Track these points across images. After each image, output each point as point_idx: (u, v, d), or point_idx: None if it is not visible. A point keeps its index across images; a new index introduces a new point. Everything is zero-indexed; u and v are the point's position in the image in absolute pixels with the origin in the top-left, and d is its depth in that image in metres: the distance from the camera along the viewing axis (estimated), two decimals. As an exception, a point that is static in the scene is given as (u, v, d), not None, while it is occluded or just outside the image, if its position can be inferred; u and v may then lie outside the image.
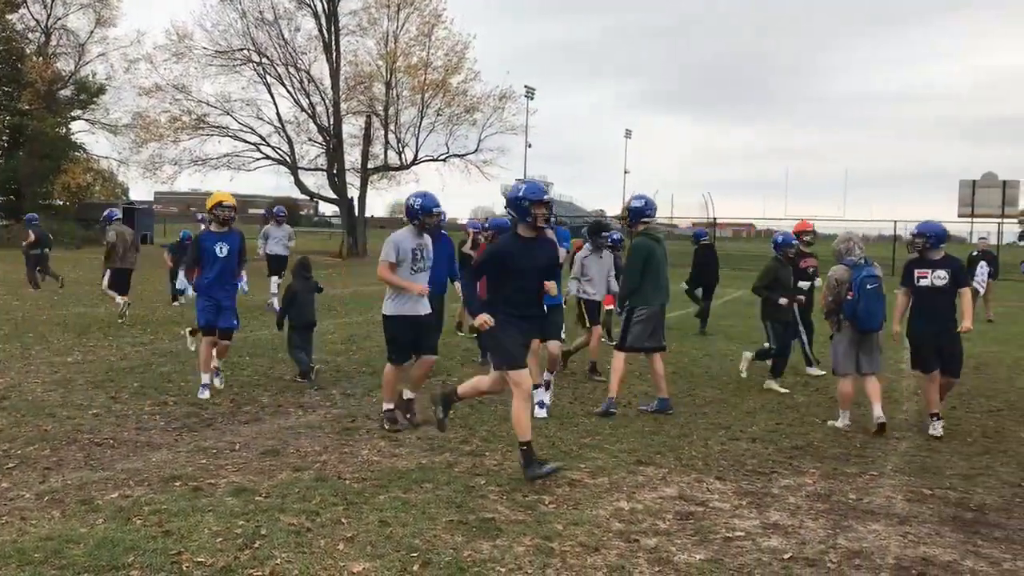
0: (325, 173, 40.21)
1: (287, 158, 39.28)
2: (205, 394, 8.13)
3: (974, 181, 54.51)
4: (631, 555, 4.51)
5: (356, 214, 40.74)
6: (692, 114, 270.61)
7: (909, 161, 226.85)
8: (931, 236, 7.59)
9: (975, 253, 18.09)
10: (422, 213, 7.04)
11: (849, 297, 7.65)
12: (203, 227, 14.31)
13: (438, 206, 7.18)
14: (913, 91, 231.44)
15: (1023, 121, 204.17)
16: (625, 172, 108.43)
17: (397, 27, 38.54)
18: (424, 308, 7.15)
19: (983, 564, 4.54)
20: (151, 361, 10.13)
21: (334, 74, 38.22)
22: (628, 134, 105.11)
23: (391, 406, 7.20)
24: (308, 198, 46.72)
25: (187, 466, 5.88)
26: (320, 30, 38.27)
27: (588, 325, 10.00)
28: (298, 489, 5.37)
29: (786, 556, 4.56)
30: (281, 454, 6.27)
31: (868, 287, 7.61)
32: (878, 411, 7.50)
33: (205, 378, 8.27)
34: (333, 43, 38.29)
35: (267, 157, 39.38)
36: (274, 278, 16.47)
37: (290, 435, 6.83)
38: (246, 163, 39.17)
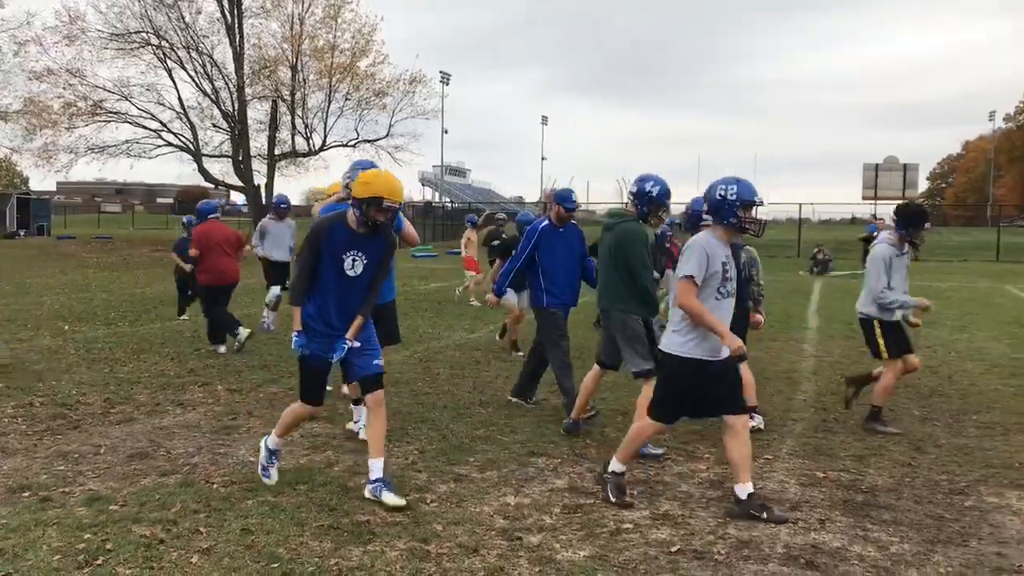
0: (230, 160, 39.02)
1: (190, 145, 37.94)
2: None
3: (877, 165, 56.15)
4: (512, 555, 4.26)
5: (263, 202, 39.63)
6: (607, 101, 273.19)
7: (816, 146, 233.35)
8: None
9: (876, 234, 18.45)
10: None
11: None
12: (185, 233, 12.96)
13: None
14: (820, 77, 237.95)
15: (923, 106, 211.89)
16: (542, 159, 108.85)
17: (302, 9, 37.56)
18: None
19: (870, 549, 4.43)
20: (25, 359, 9.48)
21: (238, 58, 37.02)
22: (544, 121, 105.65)
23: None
24: (214, 186, 45.22)
25: (41, 474, 5.41)
26: (222, 12, 36.97)
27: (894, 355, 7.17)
28: (159, 496, 4.96)
29: (673, 549, 4.38)
30: (150, 457, 5.84)
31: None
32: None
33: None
34: (236, 26, 37.06)
35: (169, 144, 38.02)
36: (274, 288, 12.23)
37: (163, 436, 6.39)
38: (147, 150, 37.78)
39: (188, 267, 11.53)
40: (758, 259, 7.35)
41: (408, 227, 6.52)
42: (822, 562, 4.24)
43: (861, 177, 54.83)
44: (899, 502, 5.20)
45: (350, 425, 6.55)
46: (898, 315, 7.09)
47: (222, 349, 10.25)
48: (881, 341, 7.06)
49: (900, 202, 6.11)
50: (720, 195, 4.83)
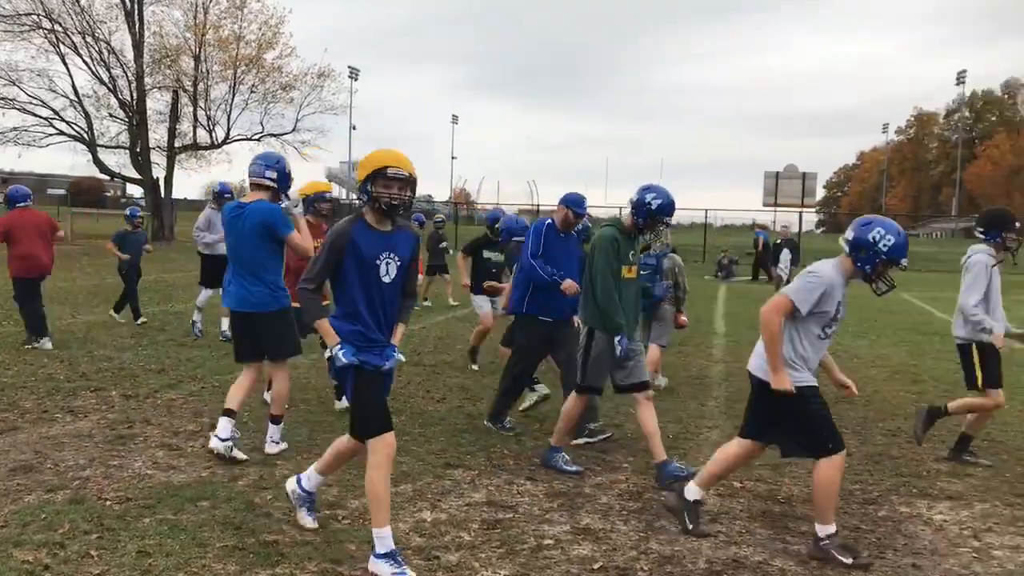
0: (128, 151, 37.48)
1: (84, 134, 36.29)
2: None
3: (777, 172, 57.77)
4: (430, 575, 4.06)
5: (162, 195, 38.22)
6: (518, 101, 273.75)
7: (720, 151, 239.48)
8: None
9: (779, 241, 18.91)
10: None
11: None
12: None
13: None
14: (726, 84, 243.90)
15: (821, 117, 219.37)
16: (453, 158, 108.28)
17: (207, -3, 36.35)
18: None
19: (791, 563, 4.40)
20: None
21: (137, 46, 35.61)
22: (455, 119, 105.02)
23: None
24: (109, 178, 43.38)
25: (-90, 492, 4.94)
26: (121, -2, 35.51)
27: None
28: (45, 515, 4.58)
29: (596, 566, 4.25)
30: (35, 470, 5.41)
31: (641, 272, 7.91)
32: (658, 380, 8.58)
33: None
34: (136, 12, 35.65)
35: (62, 133, 36.30)
36: (205, 292, 11.28)
37: (51, 446, 5.95)
38: (36, 139, 35.98)
39: (125, 257, 12.19)
40: (682, 265, 7.52)
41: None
42: (745, 578, 4.19)
43: (762, 184, 56.25)
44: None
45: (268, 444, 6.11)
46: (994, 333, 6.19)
47: (48, 344, 9.83)
48: (980, 371, 6.29)
49: (991, 209, 5.72)
50: (872, 239, 4.41)
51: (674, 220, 9.86)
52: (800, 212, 49.57)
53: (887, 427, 7.56)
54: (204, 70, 36.87)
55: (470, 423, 7.06)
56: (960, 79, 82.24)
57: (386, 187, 4.08)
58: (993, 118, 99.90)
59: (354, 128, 74.93)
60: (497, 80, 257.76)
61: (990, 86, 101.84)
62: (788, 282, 19.16)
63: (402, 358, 4.48)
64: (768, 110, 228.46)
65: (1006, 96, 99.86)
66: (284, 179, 5.97)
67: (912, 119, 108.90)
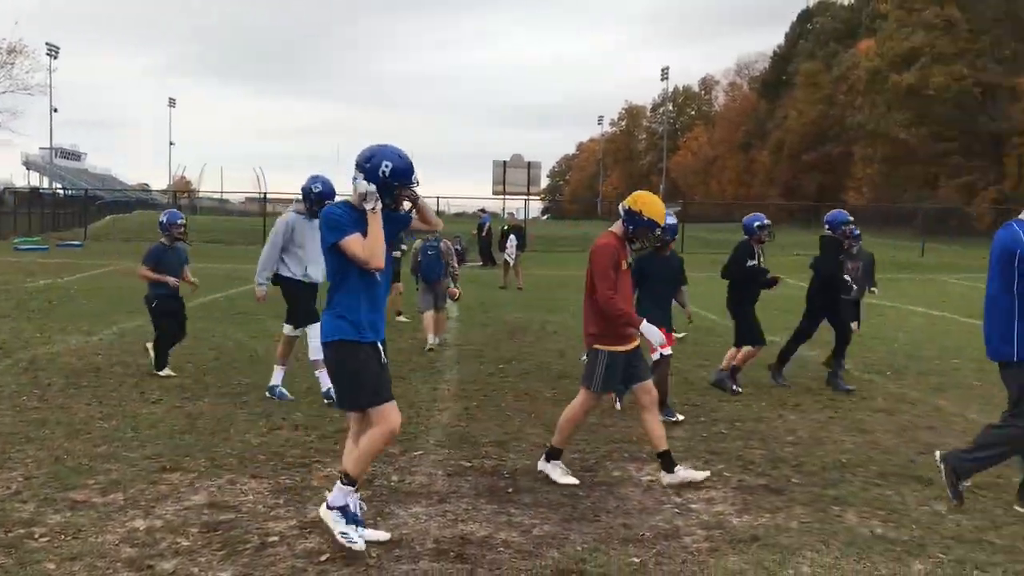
0: None
1: None
2: None
3: (505, 162, 59.78)
4: (141, 588, 3.79)
5: None
6: (243, 85, 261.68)
7: (452, 141, 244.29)
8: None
9: (505, 227, 19.57)
10: None
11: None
12: None
13: None
14: (457, 74, 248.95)
15: (545, 108, 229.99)
16: (171, 144, 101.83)
17: None
18: None
19: (515, 534, 4.57)
20: None
21: None
22: (172, 103, 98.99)
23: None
24: None
25: None
26: None
27: None
28: None
29: (323, 558, 4.18)
30: None
31: (429, 253, 10.95)
32: (431, 339, 10.66)
33: None
34: None
35: None
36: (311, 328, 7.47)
37: None
38: None
39: (173, 281, 8.61)
40: (452, 249, 8.92)
41: None
42: (471, 553, 4.29)
43: (492, 173, 58.02)
44: (539, 484, 5.45)
45: None
46: None
47: None
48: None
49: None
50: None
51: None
52: (527, 200, 51.72)
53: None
54: None
55: (190, 423, 6.68)
56: (664, 75, 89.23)
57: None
58: (692, 112, 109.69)
59: (55, 111, 68.33)
60: (220, 62, 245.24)
61: (690, 82, 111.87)
62: (515, 267, 19.93)
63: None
64: (497, 101, 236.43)
65: (703, 92, 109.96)
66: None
67: (623, 112, 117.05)
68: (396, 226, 4.48)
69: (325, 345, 4.35)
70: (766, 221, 8.62)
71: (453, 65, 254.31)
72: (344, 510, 4.28)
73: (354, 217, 4.24)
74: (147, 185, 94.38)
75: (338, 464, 5.73)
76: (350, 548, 4.17)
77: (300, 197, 7.60)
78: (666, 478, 5.53)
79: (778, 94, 79.71)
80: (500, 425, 6.95)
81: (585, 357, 5.76)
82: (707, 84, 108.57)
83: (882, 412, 7.70)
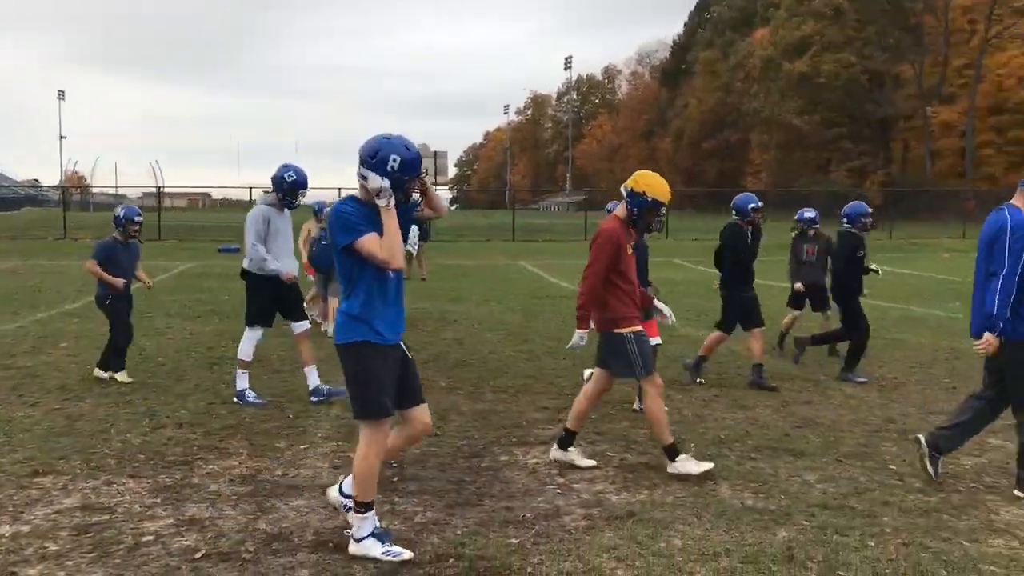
0: None
1: None
2: None
3: (410, 151, 59.37)
4: (3, 595, 3.68)
5: None
6: (135, 76, 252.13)
7: (355, 131, 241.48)
8: None
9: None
10: None
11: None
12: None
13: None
14: (363, 63, 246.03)
15: (450, 97, 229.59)
16: (61, 137, 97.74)
17: None
18: None
19: (397, 522, 4.59)
20: None
21: None
22: (61, 95, 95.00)
23: None
24: None
25: None
26: None
27: None
28: None
29: (198, 555, 4.12)
30: None
31: (323, 243, 10.86)
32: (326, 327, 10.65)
33: None
34: None
35: None
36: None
37: None
38: None
39: (122, 284, 8.10)
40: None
41: None
42: (348, 543, 4.29)
43: (396, 163, 57.63)
44: (425, 471, 5.49)
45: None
46: None
47: None
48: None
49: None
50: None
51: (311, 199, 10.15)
52: (435, 190, 51.54)
53: (497, 384, 8.15)
54: None
55: (69, 425, 6.47)
56: (568, 64, 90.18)
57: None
58: (596, 100, 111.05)
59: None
60: (110, 51, 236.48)
61: (593, 71, 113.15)
62: (418, 257, 19.78)
63: None
64: (403, 90, 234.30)
65: (606, 81, 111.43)
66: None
67: (529, 101, 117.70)
68: (406, 217, 4.27)
69: (342, 347, 4.20)
70: (759, 204, 8.24)
71: (359, 54, 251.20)
72: (373, 534, 4.17)
73: (366, 214, 4.04)
74: (37, 181, 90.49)
75: (223, 460, 5.67)
76: (401, 560, 4.06)
77: (270, 187, 7.35)
78: (671, 467, 5.45)
79: (678, 83, 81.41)
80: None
81: (571, 345, 5.60)
82: (610, 73, 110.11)
83: (764, 389, 7.98)
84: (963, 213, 40.01)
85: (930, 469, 5.31)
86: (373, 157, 4.02)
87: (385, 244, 3.99)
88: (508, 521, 4.61)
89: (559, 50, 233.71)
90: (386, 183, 3.97)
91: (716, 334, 8.34)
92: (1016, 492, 5.12)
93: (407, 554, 4.10)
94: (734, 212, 8.27)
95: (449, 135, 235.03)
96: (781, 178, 60.48)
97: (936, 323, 12.50)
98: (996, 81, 50.50)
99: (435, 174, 58.58)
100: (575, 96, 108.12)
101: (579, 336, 5.52)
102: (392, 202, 4.01)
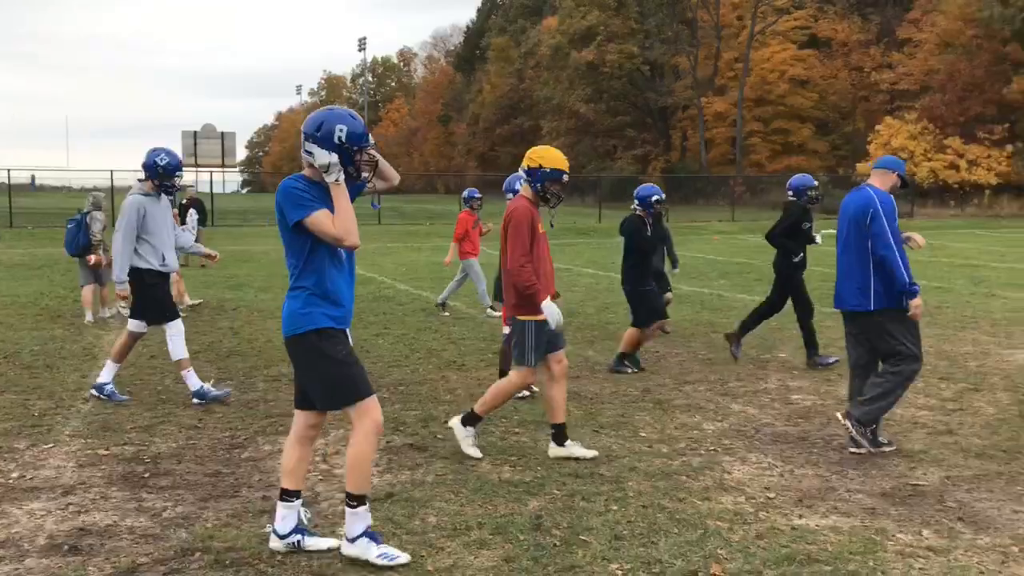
0: None
1: None
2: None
3: (195, 132, 56.77)
4: None
5: None
6: None
7: (135, 110, 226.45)
8: None
9: (184, 201, 18.53)
10: None
11: None
12: None
13: None
14: (144, 39, 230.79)
15: (239, 76, 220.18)
16: None
17: None
18: None
19: (143, 519, 4.40)
20: None
21: None
22: None
23: None
24: None
25: None
26: None
27: None
28: None
29: (-92, 571, 3.76)
30: None
31: (69, 226, 10.87)
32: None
33: None
34: None
35: None
36: None
37: None
38: None
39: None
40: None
41: None
42: (87, 544, 4.07)
43: (181, 144, 54.90)
44: (180, 466, 5.28)
45: None
46: None
47: None
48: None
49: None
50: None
51: (89, 182, 9.42)
52: (222, 172, 49.61)
53: (271, 374, 7.96)
54: None
55: None
56: (362, 46, 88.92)
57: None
58: (392, 83, 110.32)
59: None
60: None
61: (388, 54, 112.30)
62: (196, 242, 19.01)
63: None
64: (187, 67, 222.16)
65: (402, 64, 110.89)
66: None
67: (323, 82, 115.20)
68: (355, 192, 4.00)
69: (295, 338, 3.86)
70: (662, 195, 8.13)
71: (140, 29, 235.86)
72: (367, 534, 3.90)
73: (317, 191, 3.79)
74: None
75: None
76: (398, 564, 3.84)
77: (142, 176, 6.75)
78: (554, 451, 5.43)
79: (473, 68, 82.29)
80: (151, 409, 6.62)
81: (554, 324, 5.37)
82: (405, 56, 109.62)
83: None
84: (732, 198, 43.07)
85: (881, 440, 5.60)
86: (318, 130, 3.78)
87: (339, 220, 3.76)
88: (264, 511, 4.52)
89: (352, 31, 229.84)
90: (334, 157, 3.75)
91: (631, 331, 8.07)
92: (838, 415, 5.71)
93: (404, 557, 3.90)
94: (636, 203, 8.16)
95: (238, 116, 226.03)
96: (571, 164, 62.39)
97: (699, 300, 13.38)
98: (761, 74, 54.45)
99: (223, 156, 56.21)
100: (370, 78, 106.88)
101: (548, 311, 5.30)
102: (342, 177, 3.80)
